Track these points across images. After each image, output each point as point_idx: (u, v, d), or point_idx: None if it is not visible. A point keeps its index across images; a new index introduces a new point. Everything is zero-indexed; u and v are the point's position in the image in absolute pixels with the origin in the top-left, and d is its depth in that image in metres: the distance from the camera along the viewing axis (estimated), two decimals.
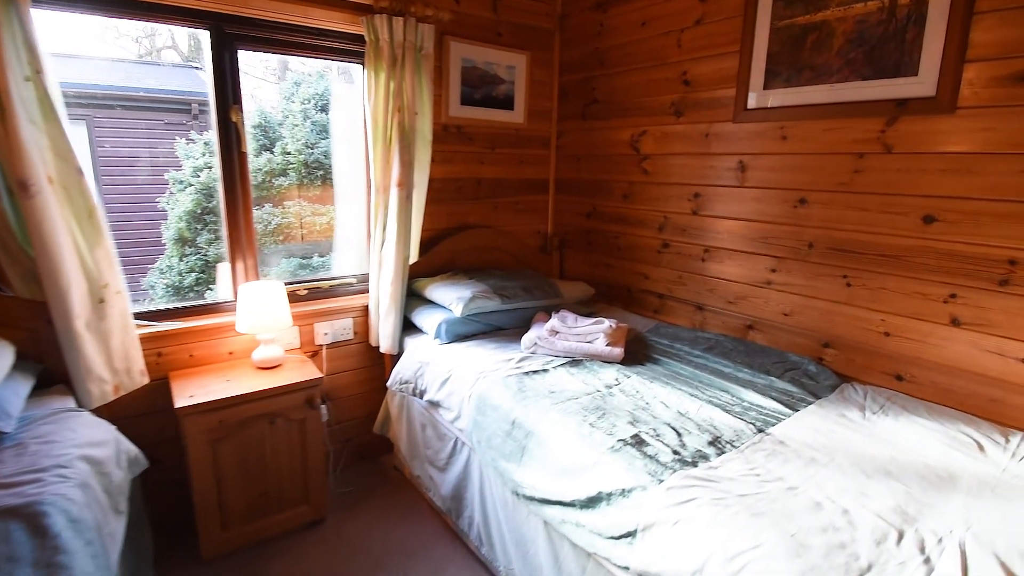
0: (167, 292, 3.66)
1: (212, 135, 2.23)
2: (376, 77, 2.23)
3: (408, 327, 2.45)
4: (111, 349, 1.79)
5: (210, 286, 3.47)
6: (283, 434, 2.04)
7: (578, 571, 1.43)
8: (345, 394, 2.53)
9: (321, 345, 2.41)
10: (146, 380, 1.92)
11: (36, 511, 1.13)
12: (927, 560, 1.06)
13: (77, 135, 1.72)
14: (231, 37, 2.09)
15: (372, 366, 2.56)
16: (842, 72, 1.84)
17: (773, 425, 1.58)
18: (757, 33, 2.05)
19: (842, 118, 1.86)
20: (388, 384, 2.35)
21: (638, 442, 1.46)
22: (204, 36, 2.06)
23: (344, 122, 2.74)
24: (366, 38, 2.20)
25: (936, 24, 1.62)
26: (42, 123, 1.61)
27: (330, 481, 2.39)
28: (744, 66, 2.10)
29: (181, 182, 3.56)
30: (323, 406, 2.37)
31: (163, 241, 3.52)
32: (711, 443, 1.48)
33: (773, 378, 1.87)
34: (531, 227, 3.10)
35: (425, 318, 2.31)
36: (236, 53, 2.12)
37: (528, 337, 2.14)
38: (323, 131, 3.49)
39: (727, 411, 1.65)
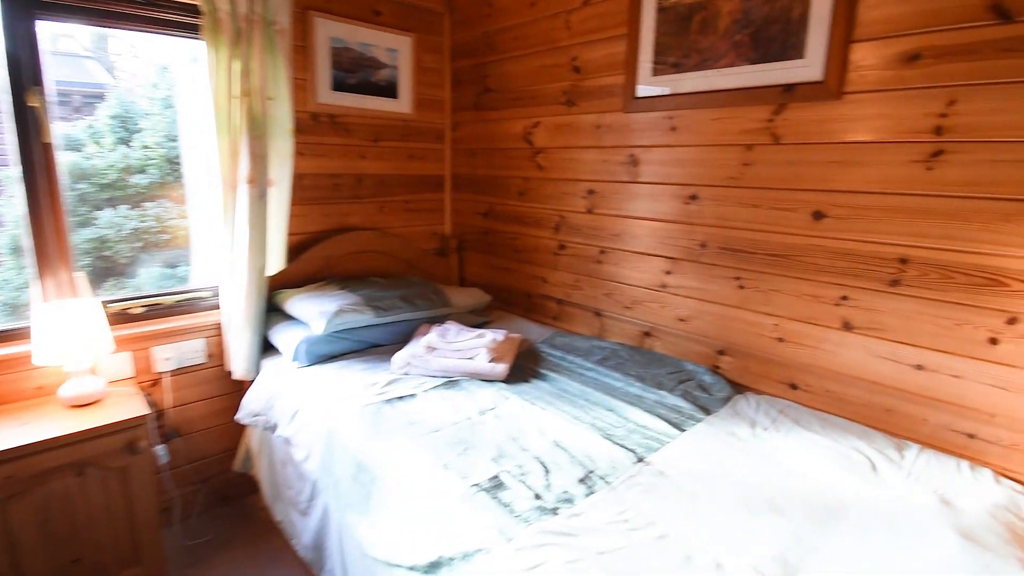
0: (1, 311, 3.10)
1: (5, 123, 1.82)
2: (217, 55, 1.89)
3: (269, 347, 2.12)
4: None
5: None
6: (97, 486, 1.67)
7: None
8: (198, 428, 2.17)
9: (162, 373, 2.04)
10: None
11: None
12: None
13: None
14: (27, 3, 1.71)
15: (232, 393, 2.20)
16: (728, 56, 1.69)
17: (656, 451, 1.39)
18: (644, 14, 1.87)
19: (730, 106, 1.70)
20: (236, 416, 2.01)
21: (495, 485, 1.23)
22: None
23: (196, 107, 2.36)
24: (202, 7, 1.85)
25: (822, 1, 1.48)
26: None
27: (173, 534, 2.03)
28: (632, 50, 1.92)
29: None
30: (162, 446, 2.01)
31: None
32: (582, 480, 1.26)
33: (664, 392, 1.69)
34: (426, 228, 2.82)
35: (283, 337, 1.99)
36: (34, 23, 1.74)
37: (400, 356, 1.86)
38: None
39: (608, 436, 1.45)
